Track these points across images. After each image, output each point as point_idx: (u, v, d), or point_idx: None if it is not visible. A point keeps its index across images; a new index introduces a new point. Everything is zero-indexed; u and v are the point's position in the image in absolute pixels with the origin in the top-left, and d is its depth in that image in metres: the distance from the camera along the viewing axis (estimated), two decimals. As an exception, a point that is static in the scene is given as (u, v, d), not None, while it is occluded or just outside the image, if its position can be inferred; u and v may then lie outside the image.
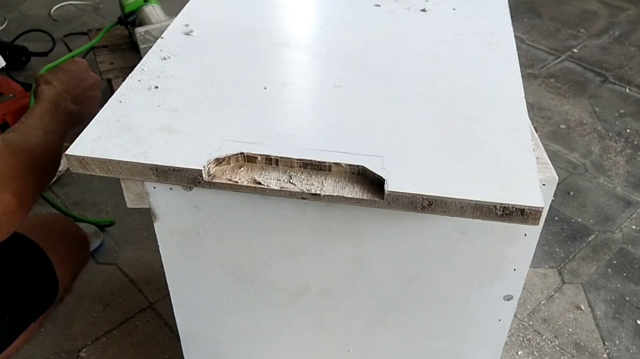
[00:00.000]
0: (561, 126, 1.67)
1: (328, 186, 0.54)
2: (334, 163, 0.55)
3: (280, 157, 0.55)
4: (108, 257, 1.27)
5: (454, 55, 0.71)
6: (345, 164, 0.55)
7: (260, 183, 0.54)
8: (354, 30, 0.77)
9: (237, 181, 0.54)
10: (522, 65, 1.91)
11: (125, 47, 1.53)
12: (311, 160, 0.55)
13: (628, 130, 1.65)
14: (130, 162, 0.54)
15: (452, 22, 0.78)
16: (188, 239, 0.62)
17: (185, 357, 0.75)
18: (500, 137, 0.58)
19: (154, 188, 0.57)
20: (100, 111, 0.60)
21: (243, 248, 0.62)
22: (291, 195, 0.54)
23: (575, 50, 2.00)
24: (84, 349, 1.09)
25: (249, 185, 0.54)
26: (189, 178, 0.54)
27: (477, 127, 0.60)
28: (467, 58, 0.71)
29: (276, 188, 0.54)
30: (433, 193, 0.52)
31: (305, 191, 0.54)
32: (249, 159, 0.56)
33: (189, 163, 0.54)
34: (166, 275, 0.65)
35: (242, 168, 0.55)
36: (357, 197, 0.53)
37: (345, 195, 0.53)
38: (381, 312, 0.69)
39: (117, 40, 1.55)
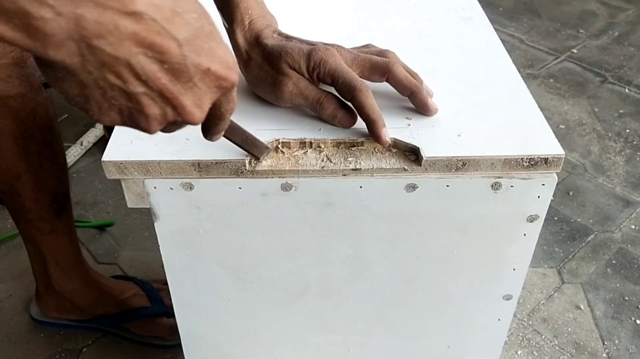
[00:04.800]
0: (560, 126, 1.67)
1: (365, 161, 0.57)
2: (366, 139, 0.58)
3: (314, 139, 0.58)
4: (108, 257, 1.28)
5: (436, 31, 0.76)
6: None
7: (301, 166, 0.57)
8: (334, 16, 0.79)
9: (279, 167, 0.56)
10: (522, 66, 1.92)
11: (125, 47, 1.52)
12: (344, 139, 0.58)
13: (627, 130, 1.65)
14: (171, 160, 0.56)
15: (423, 2, 0.83)
16: (188, 239, 0.62)
17: (185, 357, 0.75)
18: (504, 99, 0.64)
19: (155, 188, 0.58)
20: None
21: (243, 248, 0.63)
22: (332, 173, 0.57)
23: (574, 51, 2.00)
24: (84, 349, 1.09)
25: (291, 169, 0.56)
26: (231, 170, 0.56)
27: (481, 92, 0.65)
28: (449, 33, 0.76)
29: (318, 168, 0.57)
30: (465, 154, 0.56)
31: (346, 168, 0.56)
32: (285, 145, 0.58)
33: (229, 154, 0.56)
34: (166, 274, 0.65)
35: (279, 154, 0.58)
36: (395, 167, 0.57)
37: (383, 166, 0.57)
38: (381, 312, 0.69)
39: (117, 40, 1.55)
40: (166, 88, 0.41)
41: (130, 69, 0.39)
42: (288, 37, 0.62)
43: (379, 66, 0.61)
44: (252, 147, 0.56)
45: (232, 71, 0.43)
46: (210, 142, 0.51)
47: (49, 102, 0.90)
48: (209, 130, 0.49)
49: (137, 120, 0.43)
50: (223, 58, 0.43)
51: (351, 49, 0.65)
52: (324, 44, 0.62)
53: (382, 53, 0.63)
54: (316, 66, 0.59)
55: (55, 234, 0.98)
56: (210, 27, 0.41)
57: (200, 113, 0.44)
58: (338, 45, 0.63)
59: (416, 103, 0.61)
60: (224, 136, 0.52)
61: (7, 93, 0.81)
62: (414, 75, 0.62)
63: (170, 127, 0.46)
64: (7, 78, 0.80)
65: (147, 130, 0.44)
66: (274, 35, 0.62)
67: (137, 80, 0.40)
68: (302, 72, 0.60)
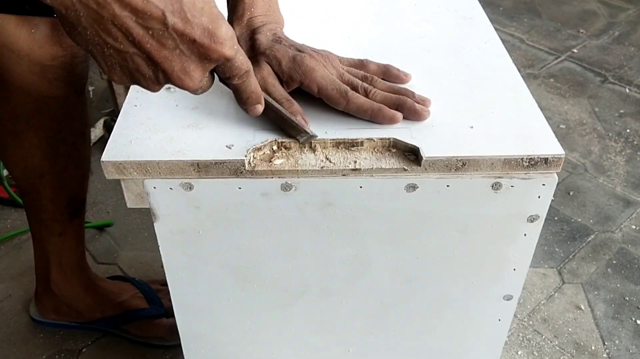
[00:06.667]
0: (561, 126, 1.67)
1: (365, 161, 0.57)
2: (366, 139, 0.58)
3: (314, 139, 0.58)
4: (108, 257, 1.27)
5: (436, 31, 0.76)
6: (377, 139, 0.58)
7: (301, 166, 0.56)
8: (334, 16, 0.79)
9: (279, 167, 0.56)
10: (522, 65, 1.91)
11: (125, 47, 1.52)
12: (344, 139, 0.58)
13: (628, 130, 1.65)
14: (170, 160, 0.56)
15: (423, 2, 0.83)
16: (188, 239, 0.62)
17: (185, 357, 0.75)
18: (504, 99, 0.63)
19: (154, 188, 0.57)
20: (120, 117, 0.61)
21: (243, 248, 0.62)
22: (332, 173, 0.56)
23: (575, 50, 2.00)
24: (84, 349, 1.09)
25: (291, 169, 0.56)
26: (231, 170, 0.56)
27: (482, 92, 0.64)
28: (449, 33, 0.76)
29: (317, 168, 0.56)
30: (465, 154, 0.56)
31: (346, 168, 0.56)
32: (284, 145, 0.58)
33: (229, 155, 0.56)
34: (166, 275, 0.65)
35: (279, 155, 0.58)
36: (395, 167, 0.56)
37: (383, 166, 0.56)
38: (381, 312, 0.69)
39: (117, 40, 1.54)
40: (154, 52, 0.45)
41: (119, 29, 0.44)
42: (280, 39, 0.63)
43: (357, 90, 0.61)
44: (287, 126, 0.57)
45: (222, 45, 0.47)
46: (250, 116, 0.57)
47: (87, 109, 0.92)
48: (239, 100, 0.54)
49: (137, 79, 0.48)
50: (212, 31, 0.46)
51: (348, 59, 0.65)
52: (314, 50, 0.63)
53: (365, 78, 0.63)
54: (302, 72, 0.60)
55: (64, 237, 0.98)
56: (202, 3, 0.45)
57: (189, 81, 0.48)
58: (327, 53, 0.63)
59: (405, 114, 0.61)
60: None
61: (50, 94, 0.83)
62: (401, 91, 0.62)
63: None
64: (53, 80, 0.81)
65: (148, 89, 0.49)
66: (268, 34, 0.63)
67: (127, 41, 0.44)
68: (278, 71, 0.61)
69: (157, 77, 0.48)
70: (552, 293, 1.21)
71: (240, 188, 0.57)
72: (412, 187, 0.57)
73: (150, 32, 0.44)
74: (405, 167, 0.56)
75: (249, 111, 0.56)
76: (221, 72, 0.51)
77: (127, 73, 0.48)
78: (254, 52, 0.63)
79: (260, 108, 0.56)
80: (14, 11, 0.74)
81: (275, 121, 0.59)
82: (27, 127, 0.85)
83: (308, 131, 0.57)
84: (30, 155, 0.87)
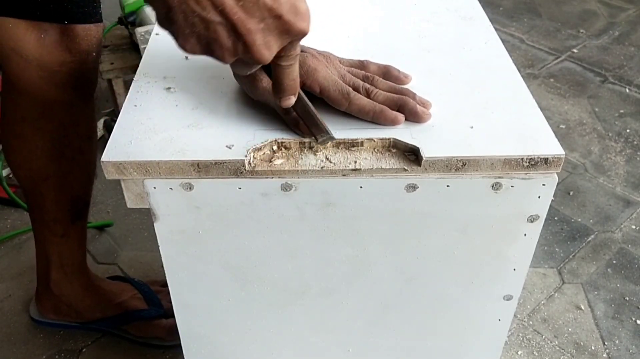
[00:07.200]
0: (561, 126, 1.67)
1: (365, 161, 0.57)
2: (366, 139, 0.58)
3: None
4: (108, 257, 1.27)
5: (436, 31, 0.76)
6: (377, 139, 0.58)
7: (301, 166, 0.56)
8: (335, 16, 0.79)
9: (279, 168, 0.56)
10: (522, 65, 1.92)
11: (125, 47, 1.53)
12: (344, 139, 0.58)
13: (628, 130, 1.65)
14: (170, 161, 0.56)
15: (423, 2, 0.83)
16: (188, 239, 0.62)
17: (185, 357, 0.75)
18: (504, 99, 0.63)
19: (154, 188, 0.57)
20: (120, 117, 0.61)
21: (243, 248, 0.62)
22: (332, 173, 0.56)
23: (575, 50, 2.00)
24: (84, 349, 1.09)
25: (291, 169, 0.56)
26: (231, 170, 0.56)
27: (482, 93, 0.64)
28: (449, 33, 0.76)
29: (317, 168, 0.56)
30: (465, 154, 0.56)
31: (346, 168, 0.56)
32: (284, 145, 0.58)
33: (229, 155, 0.56)
34: (166, 275, 0.65)
35: (279, 155, 0.57)
36: (395, 167, 0.56)
37: (383, 167, 0.56)
38: (381, 312, 0.69)
39: (118, 40, 1.55)
40: (240, 23, 0.46)
41: None
42: None
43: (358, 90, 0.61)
44: (311, 123, 0.57)
45: (304, 22, 0.48)
46: (283, 107, 0.56)
47: (95, 115, 0.92)
48: (278, 87, 0.54)
49: (212, 48, 0.48)
50: (297, 7, 0.47)
51: (348, 60, 0.65)
52: (317, 51, 0.62)
53: (367, 78, 0.63)
54: (304, 73, 0.59)
55: (66, 238, 0.99)
56: None
57: (268, 54, 0.48)
58: (328, 54, 0.63)
59: (406, 116, 0.60)
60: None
61: (57, 99, 0.83)
62: (403, 91, 0.62)
63: (242, 65, 0.51)
64: (61, 85, 0.81)
65: (221, 59, 0.49)
66: None
67: (215, 10, 0.45)
68: None
69: (236, 48, 0.48)
70: (552, 293, 1.21)
71: (240, 188, 0.57)
72: (412, 187, 0.57)
73: (241, 4, 0.45)
74: (406, 167, 0.56)
75: (282, 101, 0.55)
76: (284, 48, 0.51)
77: (202, 43, 0.48)
78: None
79: (293, 99, 0.55)
80: (24, 16, 0.74)
81: (301, 116, 0.58)
82: (33, 131, 0.85)
83: (330, 132, 0.57)
84: (36, 157, 0.88)
